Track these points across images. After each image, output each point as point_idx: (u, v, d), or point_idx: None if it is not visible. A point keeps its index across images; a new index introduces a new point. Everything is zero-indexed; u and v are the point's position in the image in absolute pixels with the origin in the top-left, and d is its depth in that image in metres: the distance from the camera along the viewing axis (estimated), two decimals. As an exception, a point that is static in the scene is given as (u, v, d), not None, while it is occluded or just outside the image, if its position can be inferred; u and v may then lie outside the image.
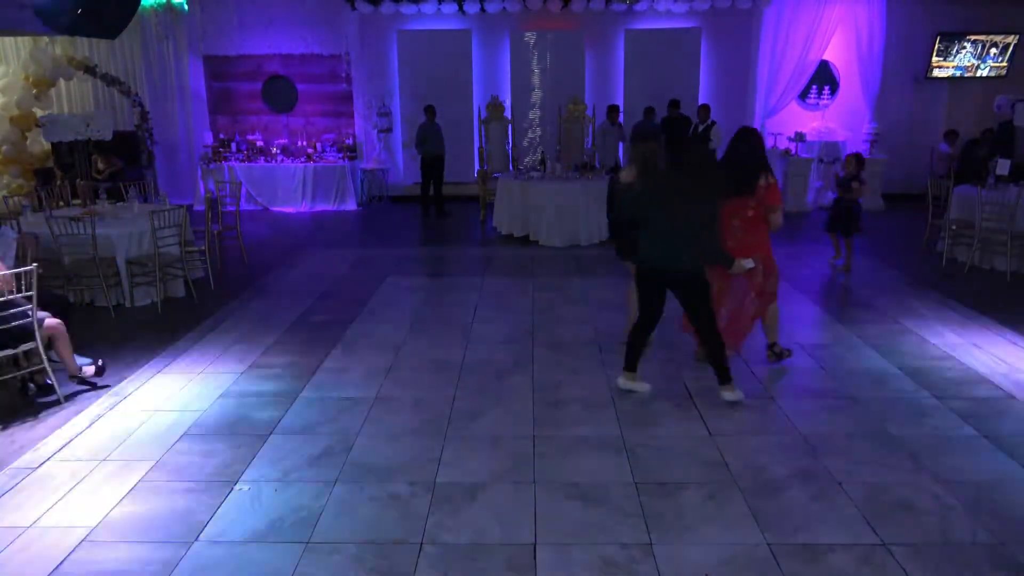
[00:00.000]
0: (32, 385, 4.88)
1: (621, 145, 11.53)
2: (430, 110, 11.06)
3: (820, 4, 11.73)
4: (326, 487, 3.65)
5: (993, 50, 11.95)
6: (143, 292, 6.84)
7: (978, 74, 12.14)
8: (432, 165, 11.11)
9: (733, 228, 4.73)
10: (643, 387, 4.68)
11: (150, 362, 5.35)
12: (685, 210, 4.20)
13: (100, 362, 5.02)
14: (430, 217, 11.23)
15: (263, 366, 5.27)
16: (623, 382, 4.70)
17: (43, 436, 4.22)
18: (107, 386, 4.91)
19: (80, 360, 5.23)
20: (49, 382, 4.72)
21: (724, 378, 4.48)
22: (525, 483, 3.66)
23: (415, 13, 12.15)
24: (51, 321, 4.77)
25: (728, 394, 4.48)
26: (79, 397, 4.77)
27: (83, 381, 4.90)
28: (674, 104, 11.17)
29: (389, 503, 3.51)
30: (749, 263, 4.45)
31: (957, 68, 12.13)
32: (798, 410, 4.43)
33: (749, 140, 4.82)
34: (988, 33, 11.85)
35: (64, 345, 4.81)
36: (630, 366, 4.69)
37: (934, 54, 11.98)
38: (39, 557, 3.13)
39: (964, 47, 11.93)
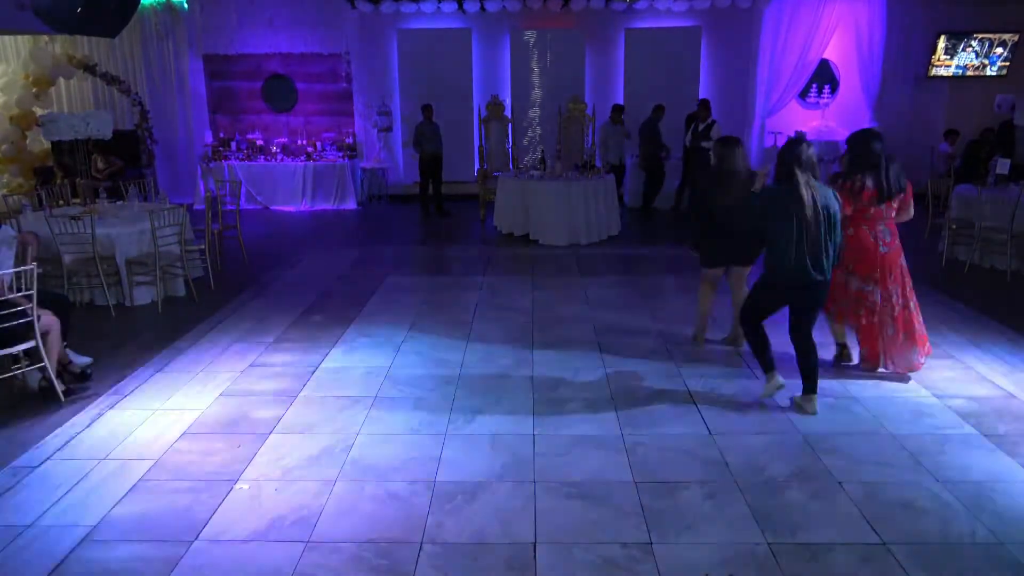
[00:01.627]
0: (33, 384, 4.87)
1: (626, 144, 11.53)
2: (427, 109, 11.05)
3: (820, 3, 11.73)
4: (326, 486, 3.65)
5: (1000, 49, 11.93)
6: (143, 291, 6.83)
7: (986, 73, 12.12)
8: (430, 164, 11.09)
9: (881, 233, 4.65)
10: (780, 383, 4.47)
11: (150, 362, 5.35)
12: (825, 216, 4.08)
13: (89, 371, 5.03)
14: (430, 216, 11.23)
15: (263, 365, 5.27)
16: (773, 388, 4.45)
17: (43, 435, 4.22)
18: (88, 386, 4.88)
19: (80, 359, 5.24)
20: (49, 381, 4.72)
21: (814, 387, 4.40)
22: (525, 482, 3.66)
23: (415, 12, 12.15)
24: (47, 319, 4.75)
25: (809, 404, 4.38)
26: (79, 396, 4.76)
27: (66, 370, 4.87)
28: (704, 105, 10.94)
29: (389, 502, 3.51)
30: None
31: (957, 67, 12.12)
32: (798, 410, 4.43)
33: (879, 140, 4.59)
34: (988, 32, 11.85)
35: (54, 341, 4.76)
36: (770, 366, 4.47)
37: (941, 52, 11.96)
38: (39, 557, 3.13)
39: (971, 45, 11.92)
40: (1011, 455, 3.88)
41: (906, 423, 4.26)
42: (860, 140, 4.66)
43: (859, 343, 4.99)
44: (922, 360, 4.83)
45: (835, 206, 4.15)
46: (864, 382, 4.83)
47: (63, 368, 4.88)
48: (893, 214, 4.68)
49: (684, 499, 3.51)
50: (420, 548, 3.16)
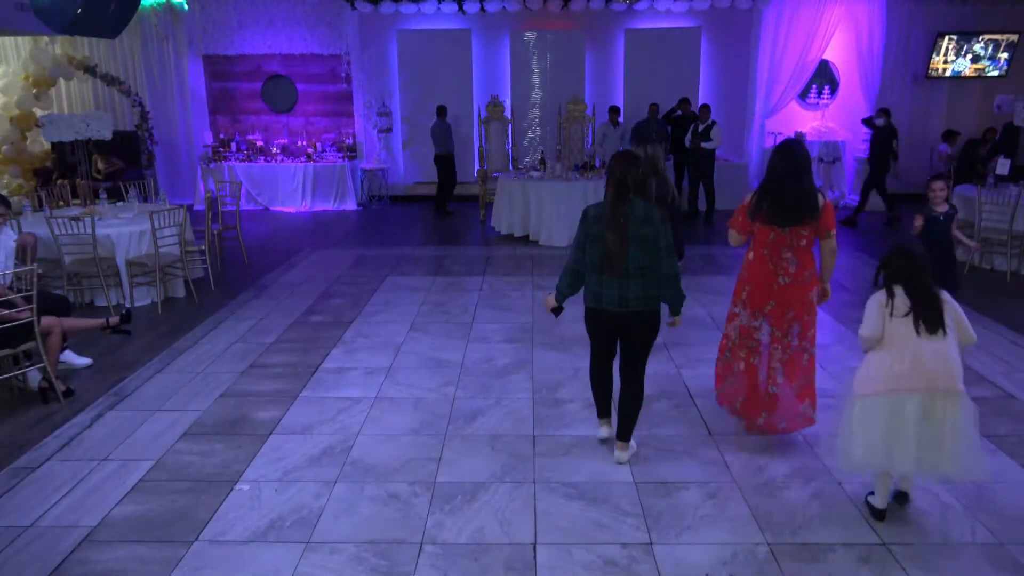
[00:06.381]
0: (33, 385, 4.87)
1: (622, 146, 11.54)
2: (440, 110, 11.29)
3: (820, 4, 11.73)
4: (326, 487, 3.65)
5: (1004, 54, 11.92)
6: (143, 292, 6.84)
7: (986, 74, 12.11)
8: (439, 164, 11.32)
9: (785, 261, 3.88)
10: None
11: (150, 362, 5.35)
12: (638, 239, 3.56)
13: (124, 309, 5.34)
14: (441, 216, 11.42)
15: (263, 366, 5.27)
16: (605, 431, 4.06)
17: (43, 436, 4.22)
18: (67, 394, 4.85)
19: (80, 360, 5.24)
20: (50, 382, 4.72)
21: (629, 434, 3.87)
22: (525, 483, 3.66)
23: (415, 12, 12.14)
24: (48, 321, 4.75)
25: (623, 453, 3.84)
26: (79, 397, 4.76)
27: (48, 385, 4.80)
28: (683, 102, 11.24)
29: (389, 503, 3.51)
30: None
31: (955, 71, 12.11)
32: (798, 410, 4.43)
33: (799, 155, 3.88)
34: (988, 32, 11.85)
35: (55, 343, 4.75)
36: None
37: (948, 53, 11.95)
38: (39, 557, 3.13)
39: (973, 50, 11.91)
40: (1011, 455, 3.88)
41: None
42: (772, 153, 3.97)
43: (734, 392, 4.18)
44: (814, 414, 4.02)
45: (654, 229, 3.52)
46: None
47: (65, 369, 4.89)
48: (803, 243, 3.88)
49: (684, 499, 3.51)
50: (420, 549, 3.16)
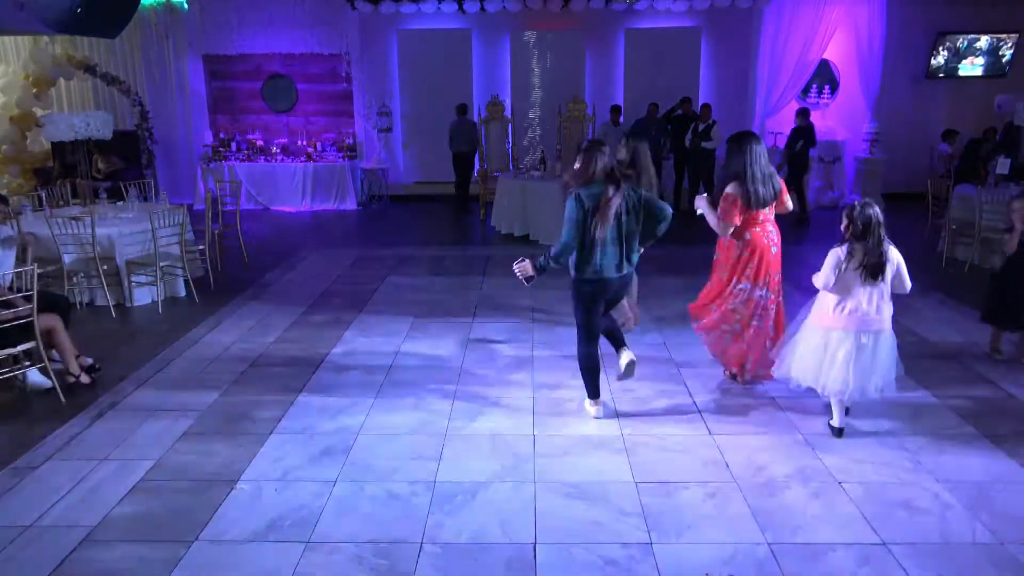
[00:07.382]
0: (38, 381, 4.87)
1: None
2: (460, 108, 11.49)
3: (820, 3, 11.71)
4: (326, 487, 3.65)
5: (997, 54, 11.93)
6: (143, 292, 6.83)
7: (987, 74, 12.12)
8: (458, 161, 11.58)
9: (772, 233, 4.56)
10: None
11: (150, 362, 5.35)
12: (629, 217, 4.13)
13: (98, 366, 5.08)
14: (465, 213, 11.62)
15: (263, 365, 5.27)
16: (599, 411, 4.38)
17: (43, 436, 4.22)
18: (91, 384, 4.88)
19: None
20: (76, 376, 4.74)
21: (623, 341, 4.56)
22: (525, 483, 3.66)
23: (415, 12, 12.14)
24: (47, 319, 4.74)
25: (631, 353, 4.46)
26: (79, 397, 4.76)
27: (74, 379, 4.87)
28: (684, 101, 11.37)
29: (389, 502, 3.51)
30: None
31: (952, 69, 12.11)
32: (798, 410, 4.43)
33: (755, 143, 4.44)
34: (988, 32, 11.85)
35: (63, 339, 4.77)
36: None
37: (944, 55, 11.96)
38: (39, 557, 3.13)
39: (973, 49, 11.91)
40: (1011, 455, 3.88)
41: (906, 423, 4.26)
42: (732, 148, 4.53)
43: (743, 353, 4.69)
44: (773, 354, 4.46)
45: (635, 201, 4.12)
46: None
47: (74, 378, 4.90)
48: (772, 215, 4.59)
49: (684, 499, 3.51)
50: (420, 548, 3.16)
